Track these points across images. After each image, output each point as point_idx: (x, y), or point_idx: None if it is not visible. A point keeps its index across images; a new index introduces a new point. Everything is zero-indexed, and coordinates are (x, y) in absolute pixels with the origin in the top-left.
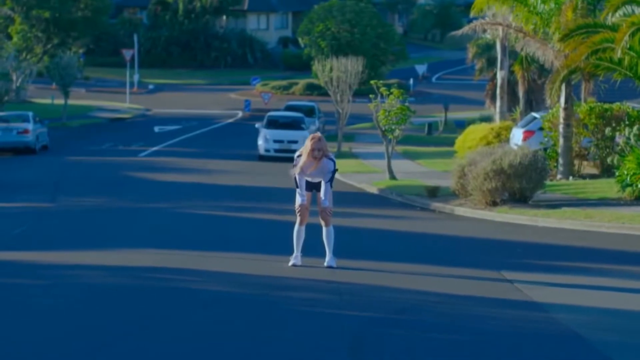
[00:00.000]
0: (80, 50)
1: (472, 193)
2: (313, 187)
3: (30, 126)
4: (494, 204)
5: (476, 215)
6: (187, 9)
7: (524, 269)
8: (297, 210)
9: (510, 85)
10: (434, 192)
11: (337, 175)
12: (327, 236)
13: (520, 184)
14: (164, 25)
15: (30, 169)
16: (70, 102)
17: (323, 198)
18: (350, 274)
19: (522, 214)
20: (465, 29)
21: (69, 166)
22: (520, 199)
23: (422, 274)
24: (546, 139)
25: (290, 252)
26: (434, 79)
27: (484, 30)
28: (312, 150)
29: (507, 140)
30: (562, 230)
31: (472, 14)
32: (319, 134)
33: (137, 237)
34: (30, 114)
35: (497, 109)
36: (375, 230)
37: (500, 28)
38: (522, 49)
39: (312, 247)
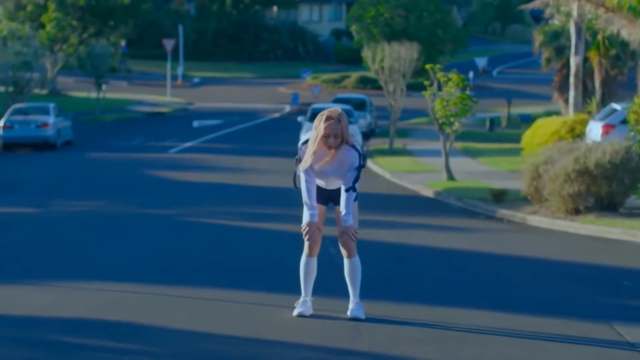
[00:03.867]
0: (122, 43)
1: (548, 198)
2: (328, 197)
3: (50, 119)
4: (577, 211)
5: (554, 226)
6: (236, 0)
7: None
8: (304, 233)
9: (583, 74)
10: (500, 197)
11: (388, 175)
12: (350, 272)
13: (609, 188)
14: (212, 16)
15: (41, 166)
16: (110, 95)
17: (344, 213)
18: (390, 331)
19: (613, 225)
20: (537, 2)
21: (86, 164)
22: (608, 205)
23: (500, 331)
24: (632, 134)
25: (300, 288)
26: (494, 73)
27: (558, 8)
28: (326, 135)
29: (583, 135)
30: None
31: None
32: (338, 109)
33: (102, 261)
34: (52, 105)
35: (571, 100)
36: (427, 248)
37: (575, 4)
38: (601, 31)
39: (332, 278)
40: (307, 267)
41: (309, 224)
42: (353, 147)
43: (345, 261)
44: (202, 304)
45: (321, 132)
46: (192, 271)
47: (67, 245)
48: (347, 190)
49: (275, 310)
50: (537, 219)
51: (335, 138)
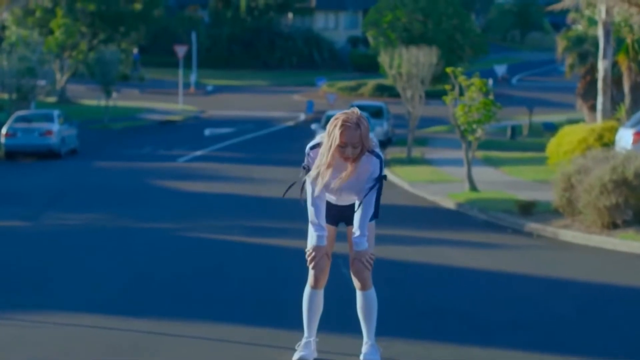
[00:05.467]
0: (134, 50)
1: (582, 211)
2: (339, 216)
3: (54, 127)
4: (614, 226)
5: (590, 241)
6: (250, 6)
7: None
8: (308, 259)
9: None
10: (528, 209)
11: (406, 185)
12: (364, 307)
13: None
14: (226, 23)
15: (43, 176)
16: (121, 103)
17: (357, 234)
18: None
19: None
20: (567, 1)
21: (90, 173)
22: None
23: None
24: None
25: (302, 322)
26: (514, 81)
27: (588, 4)
28: (342, 145)
29: (612, 143)
30: None
31: None
32: (356, 110)
33: (78, 287)
34: (56, 113)
35: (599, 106)
36: (451, 268)
37: (603, 6)
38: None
39: (342, 308)
40: (311, 301)
41: (316, 248)
42: (373, 152)
43: (358, 294)
44: (189, 344)
45: (336, 140)
46: (182, 301)
47: (43, 265)
48: (363, 205)
49: (273, 352)
50: (570, 234)
51: (353, 148)
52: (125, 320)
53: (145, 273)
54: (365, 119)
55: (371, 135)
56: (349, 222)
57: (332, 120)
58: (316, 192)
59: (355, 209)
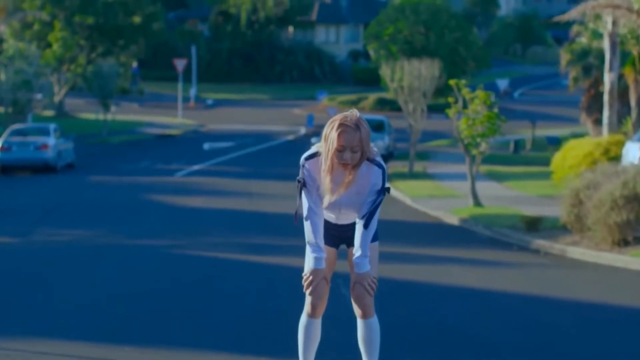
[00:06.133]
0: (134, 63)
1: (592, 227)
2: (340, 237)
3: (50, 141)
4: (625, 243)
5: (600, 259)
6: (251, 20)
7: None
8: (305, 284)
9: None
10: (534, 225)
11: (408, 201)
12: (365, 337)
13: None
14: (226, 37)
15: (38, 190)
16: (121, 117)
17: (358, 254)
18: None
19: None
20: (573, 13)
21: (86, 188)
22: None
23: None
24: None
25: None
26: (516, 95)
27: (596, 16)
28: (340, 149)
29: (619, 157)
30: None
31: None
32: (355, 111)
33: (56, 310)
34: (52, 126)
35: (605, 120)
36: (456, 289)
37: (610, 17)
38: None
39: (342, 333)
40: (307, 331)
41: (313, 272)
42: (374, 161)
43: (359, 322)
44: None
45: (333, 144)
46: (169, 326)
47: (23, 286)
48: (364, 223)
49: None
50: (579, 251)
51: (352, 152)
52: (105, 349)
53: (131, 294)
54: (365, 122)
55: (372, 145)
56: (351, 243)
57: (329, 122)
58: (325, 203)
59: (357, 228)
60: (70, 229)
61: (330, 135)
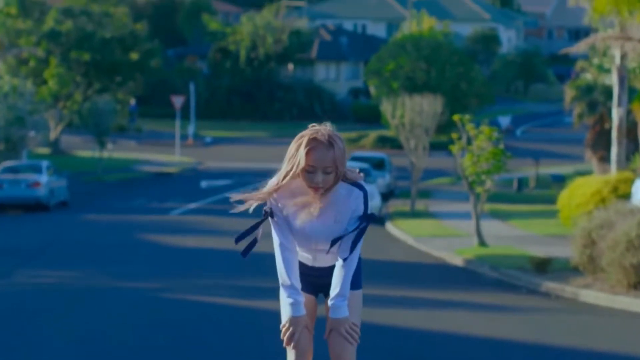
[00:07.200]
0: (132, 101)
1: (605, 269)
2: (319, 284)
3: (42, 178)
4: None
5: (615, 303)
6: (250, 57)
7: None
8: (284, 338)
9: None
10: (543, 266)
11: (410, 240)
12: None
13: None
14: (225, 74)
15: (28, 229)
16: (118, 155)
17: (335, 293)
18: None
19: None
20: (582, 45)
21: (77, 226)
22: None
23: None
24: None
25: None
26: (518, 132)
27: (605, 50)
28: (309, 169)
29: (628, 195)
30: None
31: (587, 22)
32: (327, 127)
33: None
34: (44, 163)
35: (613, 157)
36: (463, 338)
37: (618, 51)
38: None
39: None
40: None
41: (292, 321)
42: (357, 185)
43: None
44: None
45: (301, 163)
46: None
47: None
48: (344, 260)
49: None
50: (592, 295)
51: (325, 174)
52: None
53: (104, 347)
54: (341, 138)
55: (373, 195)
56: (327, 291)
57: (296, 138)
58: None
59: (337, 268)
60: (57, 269)
61: (298, 153)
